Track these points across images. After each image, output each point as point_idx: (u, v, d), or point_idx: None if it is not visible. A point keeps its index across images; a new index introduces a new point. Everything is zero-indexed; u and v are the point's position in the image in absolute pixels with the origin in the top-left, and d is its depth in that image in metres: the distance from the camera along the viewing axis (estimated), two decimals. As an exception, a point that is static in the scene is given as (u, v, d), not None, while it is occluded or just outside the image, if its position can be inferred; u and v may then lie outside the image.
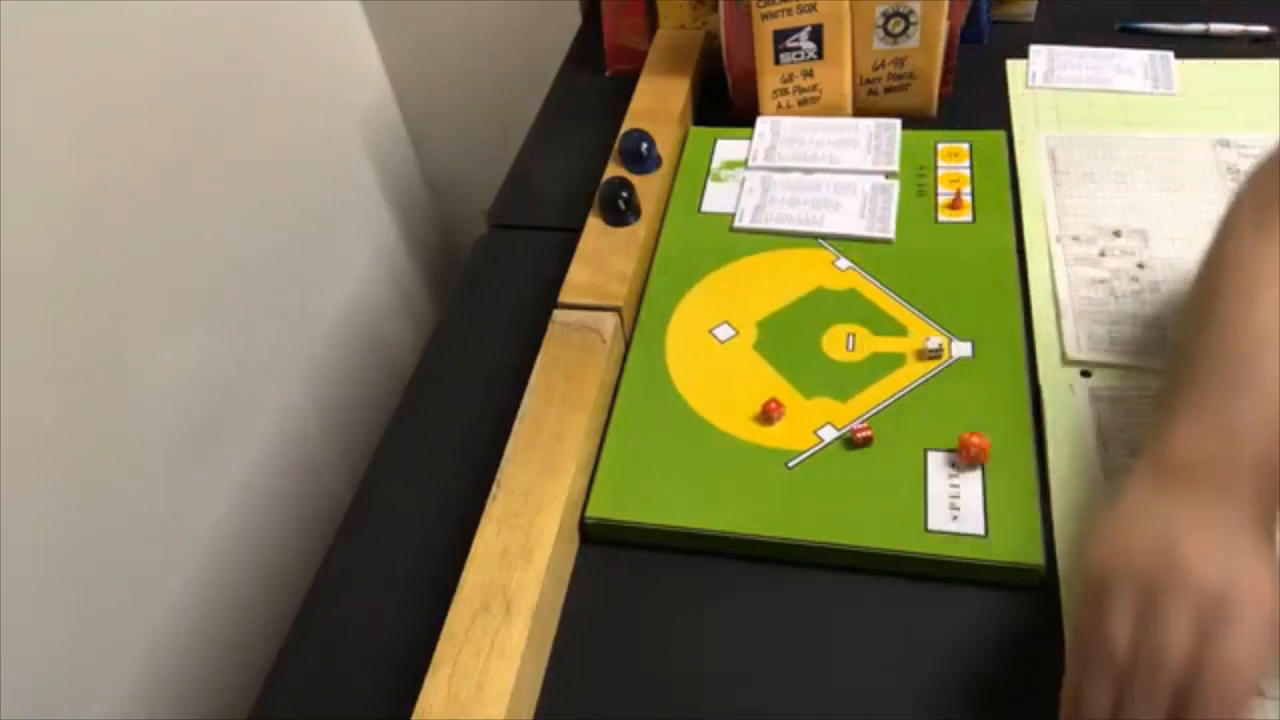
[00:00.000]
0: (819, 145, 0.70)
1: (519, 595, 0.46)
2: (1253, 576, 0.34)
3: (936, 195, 0.66)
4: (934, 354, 0.56)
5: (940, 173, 0.68)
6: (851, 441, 0.52)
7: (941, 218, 0.65)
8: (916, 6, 0.68)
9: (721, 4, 0.71)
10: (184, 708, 0.77)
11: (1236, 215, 0.47)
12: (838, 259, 0.63)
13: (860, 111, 0.73)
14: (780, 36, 0.70)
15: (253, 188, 0.84)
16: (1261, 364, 0.39)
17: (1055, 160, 0.68)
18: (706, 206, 0.68)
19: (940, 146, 0.69)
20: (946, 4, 0.68)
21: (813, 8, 0.69)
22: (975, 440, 0.50)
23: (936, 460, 0.51)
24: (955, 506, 0.49)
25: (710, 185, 0.69)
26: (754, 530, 0.50)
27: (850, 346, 0.58)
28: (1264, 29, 0.77)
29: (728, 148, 0.72)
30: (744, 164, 0.70)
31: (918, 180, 0.67)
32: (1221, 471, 0.38)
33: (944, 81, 0.74)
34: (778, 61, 0.71)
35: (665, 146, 0.70)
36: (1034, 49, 0.78)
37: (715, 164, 0.71)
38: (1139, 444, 0.51)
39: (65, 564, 0.65)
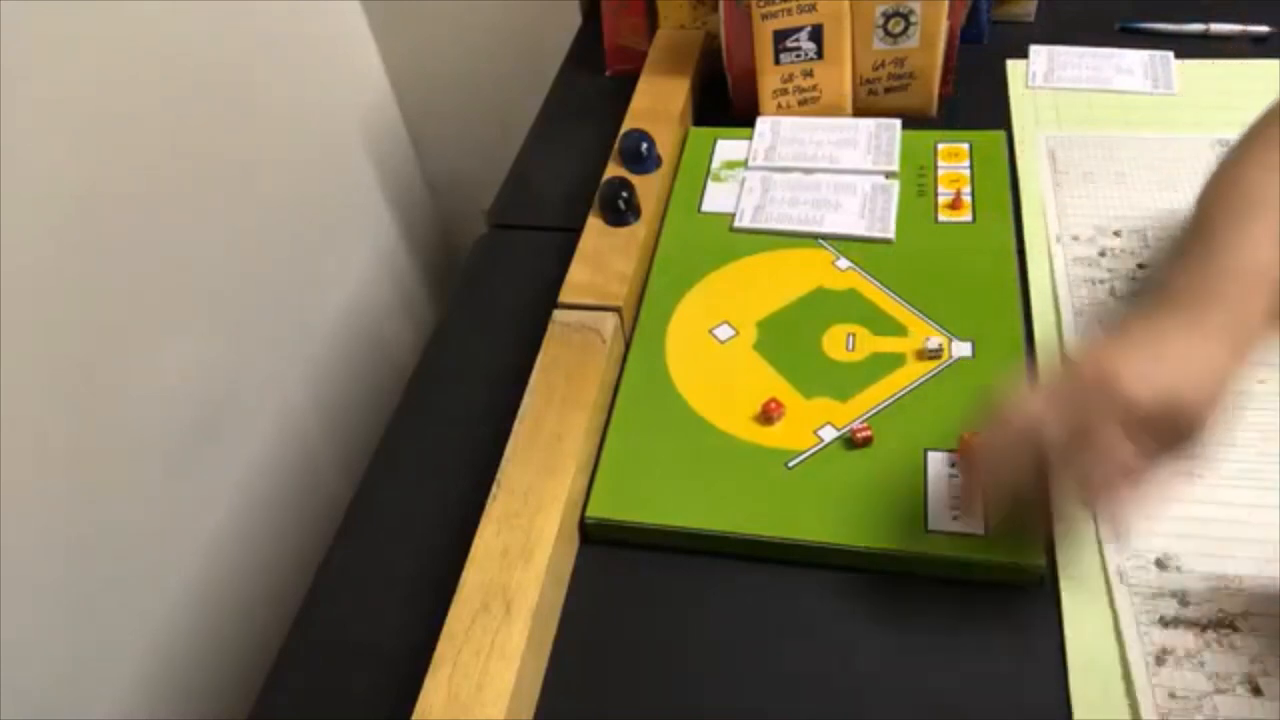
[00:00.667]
0: (819, 145, 0.70)
1: (519, 595, 0.46)
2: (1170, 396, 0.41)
3: (936, 195, 0.66)
4: (934, 354, 0.56)
5: (940, 173, 0.68)
6: (851, 441, 0.52)
7: (941, 218, 0.65)
8: (916, 6, 0.68)
9: (721, 4, 0.71)
10: (184, 708, 0.77)
11: (1237, 151, 0.50)
12: (838, 259, 0.63)
13: (860, 111, 0.73)
14: (780, 36, 0.70)
15: (252, 188, 0.84)
16: (1253, 225, 0.46)
17: (1055, 160, 0.68)
18: (706, 206, 0.68)
19: (940, 146, 0.69)
20: (946, 4, 0.69)
21: (813, 8, 0.69)
22: (975, 440, 0.50)
23: (936, 460, 0.51)
24: (955, 506, 0.49)
25: (710, 185, 0.69)
26: (754, 530, 0.50)
27: (850, 346, 0.58)
28: (1264, 29, 0.77)
29: (728, 148, 0.72)
30: (744, 164, 0.70)
31: (918, 180, 0.67)
32: (1202, 291, 0.44)
33: (944, 81, 0.74)
34: (778, 61, 0.71)
35: (665, 146, 0.70)
36: (1034, 49, 0.78)
37: (715, 164, 0.71)
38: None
39: (65, 564, 0.65)
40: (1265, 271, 0.44)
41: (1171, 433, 0.42)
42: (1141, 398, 0.41)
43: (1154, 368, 0.42)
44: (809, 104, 0.73)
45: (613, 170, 0.68)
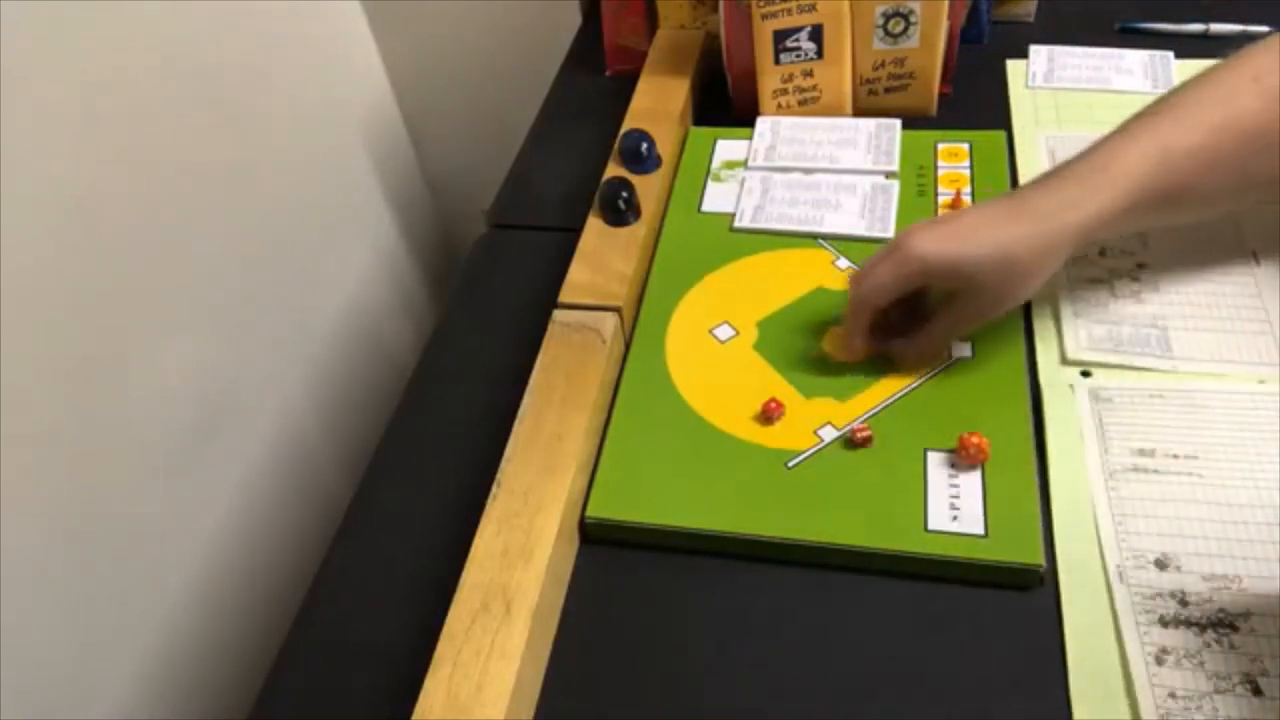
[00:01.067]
0: (819, 145, 0.70)
1: (519, 595, 0.46)
2: (932, 253, 0.51)
3: (936, 195, 0.66)
4: (934, 354, 0.56)
5: (940, 173, 0.68)
6: (851, 441, 0.53)
7: (941, 218, 0.65)
8: (916, 6, 0.68)
9: (721, 4, 0.71)
10: (184, 708, 0.77)
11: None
12: (838, 259, 0.63)
13: (860, 111, 0.73)
14: (780, 36, 0.70)
15: (252, 187, 0.84)
16: (1139, 130, 0.52)
17: (1055, 160, 0.68)
18: (706, 206, 0.68)
19: (940, 146, 0.69)
20: (946, 4, 0.69)
21: (813, 8, 0.69)
22: (975, 440, 0.50)
23: (936, 460, 0.51)
24: (955, 506, 0.49)
25: (710, 185, 0.69)
26: (754, 530, 0.50)
27: (850, 346, 0.58)
28: (1264, 29, 0.77)
29: (728, 148, 0.72)
30: (744, 164, 0.70)
31: (918, 180, 0.67)
32: (1049, 178, 0.53)
33: (944, 81, 0.74)
34: (778, 61, 0.71)
35: (665, 146, 0.70)
36: (1034, 49, 0.78)
37: (715, 164, 0.71)
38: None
39: (65, 564, 0.65)
40: (1126, 170, 0.50)
41: (959, 288, 0.52)
42: (926, 255, 0.51)
43: (942, 232, 0.51)
44: (809, 104, 0.73)
45: (613, 170, 0.68)
